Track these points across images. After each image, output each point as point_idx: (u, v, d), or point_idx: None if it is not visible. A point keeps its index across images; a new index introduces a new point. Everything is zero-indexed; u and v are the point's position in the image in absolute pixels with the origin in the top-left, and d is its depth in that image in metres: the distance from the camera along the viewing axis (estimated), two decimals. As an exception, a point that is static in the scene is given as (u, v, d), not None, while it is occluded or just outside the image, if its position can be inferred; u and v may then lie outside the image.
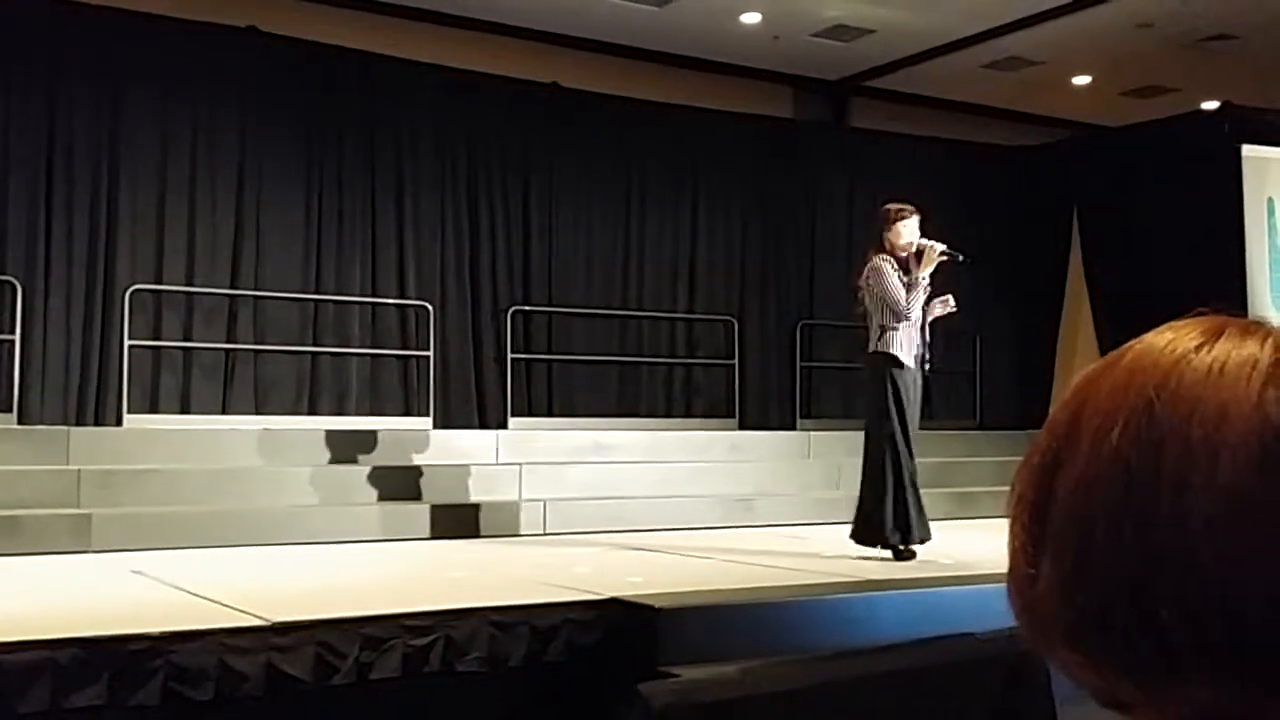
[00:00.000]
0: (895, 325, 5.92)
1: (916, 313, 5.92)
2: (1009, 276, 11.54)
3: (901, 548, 5.89)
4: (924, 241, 6.00)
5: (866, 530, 5.94)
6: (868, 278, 6.00)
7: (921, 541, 5.92)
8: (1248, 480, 0.55)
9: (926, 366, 6.09)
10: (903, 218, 6.08)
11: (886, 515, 5.85)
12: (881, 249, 6.07)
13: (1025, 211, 11.45)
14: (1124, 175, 10.75)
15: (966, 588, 4.79)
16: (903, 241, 6.01)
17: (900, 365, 5.89)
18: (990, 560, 5.26)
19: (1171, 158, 10.25)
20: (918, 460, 6.00)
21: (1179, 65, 9.89)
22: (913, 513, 5.88)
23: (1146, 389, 0.59)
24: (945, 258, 6.02)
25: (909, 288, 5.91)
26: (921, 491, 6.01)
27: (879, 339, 5.95)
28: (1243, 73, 9.79)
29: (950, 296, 6.10)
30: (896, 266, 5.98)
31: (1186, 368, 0.58)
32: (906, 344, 5.90)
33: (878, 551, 5.91)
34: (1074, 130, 11.50)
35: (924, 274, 5.93)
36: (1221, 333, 0.60)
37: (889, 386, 5.90)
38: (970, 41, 9.60)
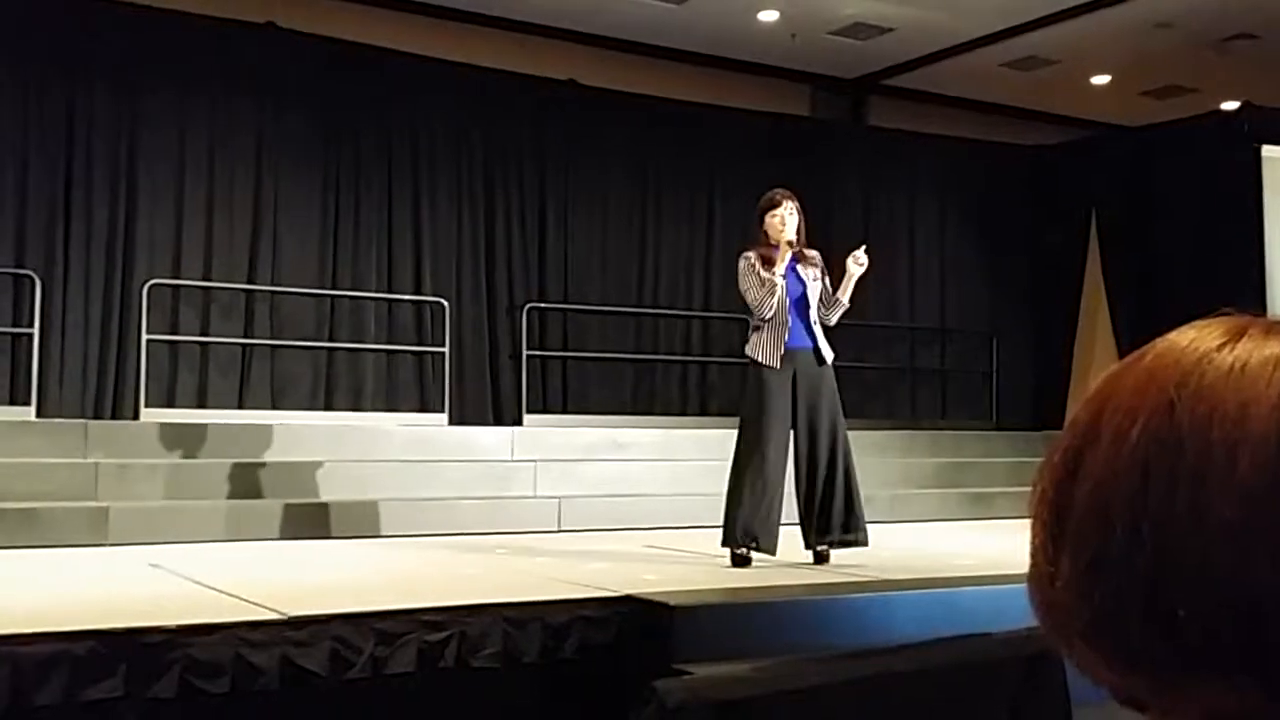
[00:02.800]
0: (759, 325, 5.64)
1: (768, 311, 5.57)
2: (1026, 276, 11.51)
3: (736, 552, 5.53)
4: (789, 239, 5.63)
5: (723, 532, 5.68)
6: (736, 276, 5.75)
7: (756, 549, 5.50)
8: (1266, 480, 0.55)
9: (826, 361, 5.67)
10: (772, 207, 5.72)
11: (728, 518, 5.57)
12: (754, 243, 5.76)
13: (1043, 211, 11.42)
14: (1142, 175, 10.70)
15: (982, 588, 4.78)
16: (774, 233, 5.66)
17: (764, 367, 5.59)
18: (1006, 560, 5.25)
19: (1190, 158, 10.21)
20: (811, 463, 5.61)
21: (1198, 65, 9.85)
22: (744, 517, 5.49)
23: (1167, 388, 0.58)
24: (791, 250, 5.62)
25: (767, 285, 5.58)
26: (840, 496, 5.65)
27: (747, 339, 5.73)
28: (1263, 73, 9.74)
29: (860, 251, 5.66)
30: (758, 262, 5.64)
31: (1208, 367, 0.58)
32: (772, 344, 5.58)
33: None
34: (1092, 130, 11.46)
35: (778, 271, 5.56)
36: (1244, 332, 0.59)
37: (752, 390, 5.62)
38: (989, 40, 9.58)
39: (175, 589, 4.79)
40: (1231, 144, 9.94)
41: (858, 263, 5.67)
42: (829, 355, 5.70)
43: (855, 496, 5.69)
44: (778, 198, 5.75)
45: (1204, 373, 0.58)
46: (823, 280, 5.79)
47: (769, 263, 5.63)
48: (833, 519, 5.60)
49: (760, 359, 5.61)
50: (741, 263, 5.72)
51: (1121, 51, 9.69)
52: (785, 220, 5.67)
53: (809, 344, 5.67)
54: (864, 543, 5.64)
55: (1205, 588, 0.55)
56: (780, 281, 5.58)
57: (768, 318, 5.60)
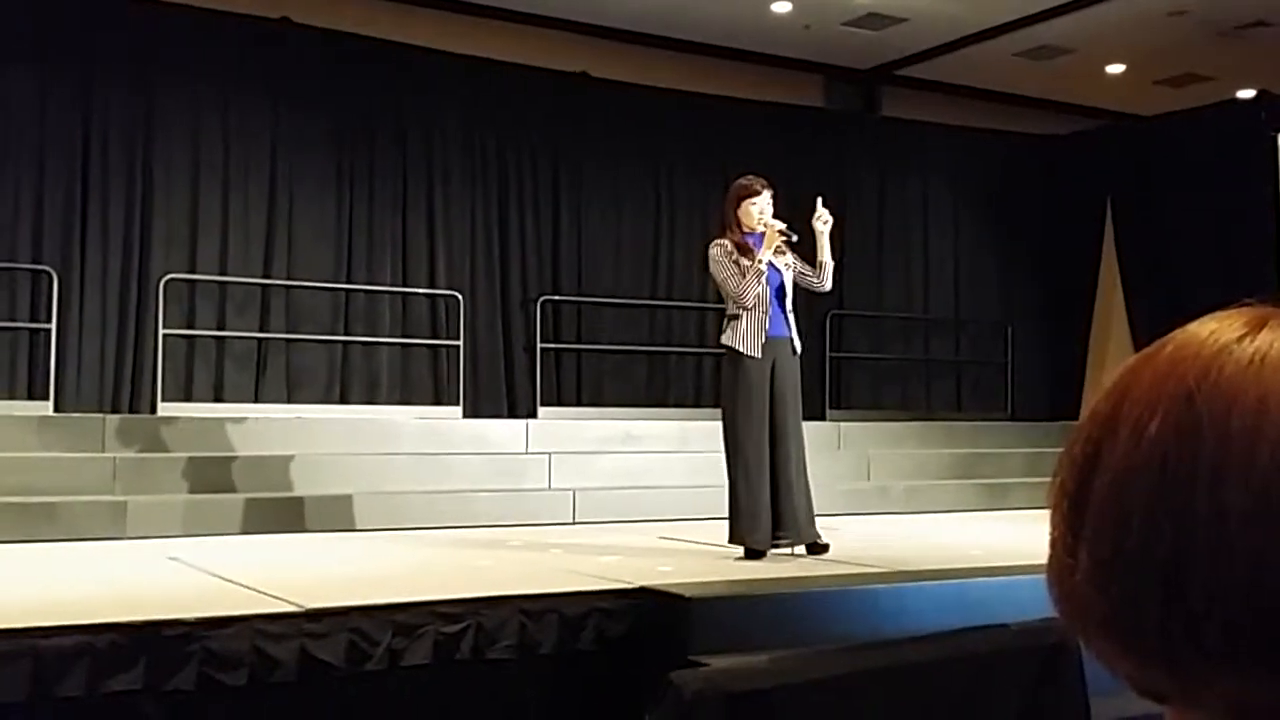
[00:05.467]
0: (738, 314, 5.53)
1: (752, 300, 5.47)
2: (1041, 266, 11.47)
3: (748, 548, 5.47)
4: (770, 220, 5.55)
5: (730, 529, 5.60)
6: (706, 265, 5.67)
7: (761, 544, 5.44)
8: None
9: (798, 351, 5.65)
10: (752, 194, 5.61)
11: (733, 513, 5.52)
12: (725, 230, 5.67)
13: (1058, 201, 11.37)
14: (1158, 165, 10.65)
15: (998, 579, 4.77)
16: (752, 221, 5.59)
17: (744, 358, 5.49)
18: (1022, 551, 5.24)
19: (1206, 147, 10.16)
20: (783, 455, 5.50)
21: (1214, 53, 9.79)
22: (752, 512, 5.43)
23: (1187, 380, 0.58)
24: (783, 236, 5.55)
25: (746, 273, 5.49)
26: (815, 488, 5.62)
27: (724, 329, 5.61)
28: (1279, 61, 9.67)
29: (821, 210, 5.60)
30: (733, 249, 5.55)
31: (1228, 359, 0.58)
32: (753, 333, 5.48)
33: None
34: (1107, 119, 11.41)
35: (764, 256, 5.48)
36: (1265, 323, 0.59)
37: (733, 381, 5.53)
38: (1002, 30, 9.53)
39: (193, 582, 4.82)
40: (1248, 132, 9.88)
41: (823, 221, 5.63)
42: (799, 346, 5.69)
43: (810, 493, 5.65)
44: (757, 186, 5.65)
45: (1224, 365, 0.58)
46: (794, 262, 5.72)
47: (744, 250, 5.56)
48: (797, 516, 5.52)
49: (742, 349, 5.51)
50: (715, 250, 5.61)
51: (1136, 40, 9.63)
52: (765, 209, 5.61)
53: (786, 333, 5.62)
54: (826, 544, 5.58)
55: (1224, 580, 0.55)
56: (764, 269, 5.52)
57: (750, 306, 5.51)
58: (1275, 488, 0.54)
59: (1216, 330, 0.60)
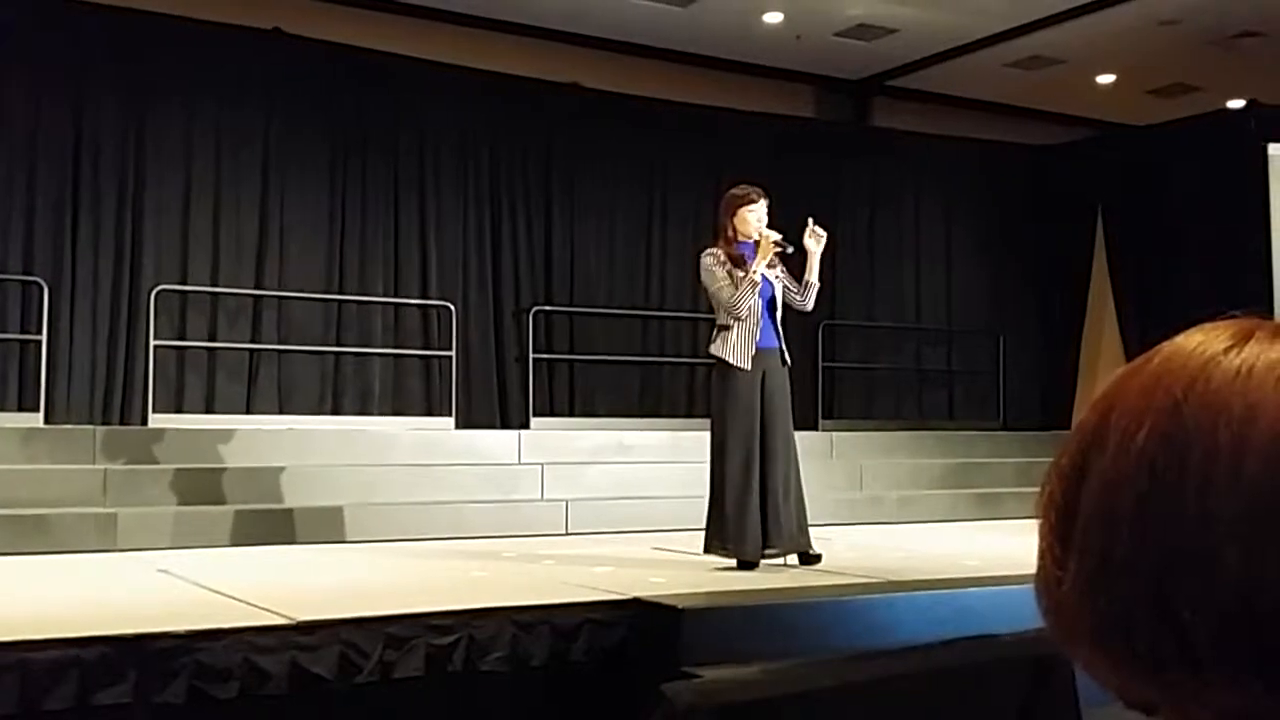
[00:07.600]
0: (729, 324, 5.49)
1: (745, 310, 5.44)
2: (1033, 276, 11.50)
3: (740, 559, 5.44)
4: (766, 231, 5.52)
5: (705, 538, 5.59)
6: (698, 274, 5.64)
7: (752, 554, 5.42)
8: (1273, 482, 0.55)
9: (788, 363, 5.62)
10: (749, 203, 5.57)
11: (715, 523, 5.50)
12: (718, 239, 5.64)
13: (1049, 211, 11.41)
14: (1149, 175, 10.69)
15: (991, 589, 4.77)
16: (749, 230, 5.54)
17: (734, 369, 5.46)
18: (1014, 561, 5.24)
19: (1197, 157, 10.19)
20: (780, 466, 5.49)
21: (1204, 63, 9.83)
22: (737, 523, 5.40)
23: (1174, 391, 0.58)
24: (778, 248, 5.52)
25: (739, 283, 5.46)
26: (807, 499, 5.63)
27: (713, 339, 5.59)
28: (1269, 70, 9.71)
29: (814, 226, 5.59)
30: (725, 259, 5.53)
31: (1215, 369, 0.58)
32: (743, 345, 5.46)
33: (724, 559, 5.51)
34: (1098, 129, 11.45)
35: (758, 267, 5.45)
36: (1252, 335, 0.59)
37: (722, 392, 5.51)
38: (993, 40, 9.56)
39: (184, 594, 4.80)
40: (1238, 142, 9.92)
41: (816, 238, 5.60)
42: (788, 357, 5.67)
43: (804, 503, 5.64)
44: (754, 195, 5.62)
45: (1210, 376, 0.58)
46: (783, 275, 5.71)
47: (736, 260, 5.53)
48: (785, 526, 5.50)
49: (732, 360, 5.48)
50: (707, 259, 5.59)
51: (1127, 50, 9.67)
52: (762, 218, 5.58)
53: (775, 344, 5.60)
54: (818, 555, 5.60)
55: (1213, 590, 0.55)
56: (759, 280, 5.49)
57: (743, 317, 5.49)
58: (1263, 497, 0.55)
59: (1204, 342, 0.60)
